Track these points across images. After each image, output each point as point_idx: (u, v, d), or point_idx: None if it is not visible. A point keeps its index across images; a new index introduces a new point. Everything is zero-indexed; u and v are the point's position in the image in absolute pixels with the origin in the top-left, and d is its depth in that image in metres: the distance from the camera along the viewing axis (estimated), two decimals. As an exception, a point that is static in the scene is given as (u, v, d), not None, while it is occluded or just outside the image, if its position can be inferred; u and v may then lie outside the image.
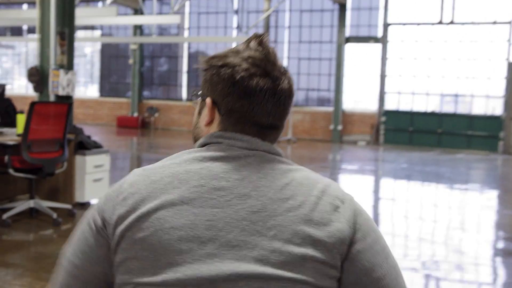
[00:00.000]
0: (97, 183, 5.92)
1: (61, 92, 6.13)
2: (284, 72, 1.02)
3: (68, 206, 5.35)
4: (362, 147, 15.86)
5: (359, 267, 0.94)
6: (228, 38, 17.18)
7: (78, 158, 5.75)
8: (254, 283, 0.87)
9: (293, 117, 17.42)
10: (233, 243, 0.89)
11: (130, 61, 20.28)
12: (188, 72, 20.22)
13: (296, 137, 17.36)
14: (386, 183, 9.83)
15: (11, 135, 5.11)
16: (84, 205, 5.84)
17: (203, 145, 1.02)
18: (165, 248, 0.89)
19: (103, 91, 21.65)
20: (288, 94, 1.02)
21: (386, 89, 16.77)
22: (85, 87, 22.50)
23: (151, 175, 0.96)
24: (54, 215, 4.99)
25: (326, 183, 0.99)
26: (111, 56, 21.49)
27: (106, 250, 0.95)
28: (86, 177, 5.76)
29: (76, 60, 21.69)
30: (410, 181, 9.81)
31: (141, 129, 19.33)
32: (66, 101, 6.31)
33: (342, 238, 0.92)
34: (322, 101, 18.13)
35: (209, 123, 1.04)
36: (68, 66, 6.33)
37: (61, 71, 6.13)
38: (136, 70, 20.29)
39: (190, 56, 20.22)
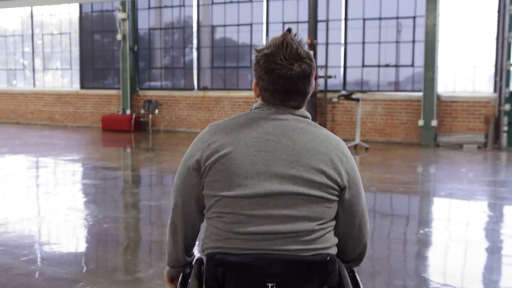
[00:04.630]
0: None
1: None
2: (298, 59, 1.64)
3: None
4: (473, 154, 10.10)
5: (348, 202, 1.71)
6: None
7: None
8: (290, 197, 1.61)
9: (361, 109, 11.27)
10: (278, 173, 1.61)
11: (118, 36, 14.39)
12: (199, 48, 14.16)
13: (366, 139, 11.24)
14: None
15: None
16: None
17: (256, 108, 1.72)
18: (237, 175, 1.61)
19: (86, 81, 15.79)
20: (299, 75, 1.64)
21: (511, 59, 11.21)
22: (62, 76, 16.64)
23: (224, 129, 1.68)
24: None
25: (338, 141, 1.71)
26: (94, 32, 15.57)
27: (198, 179, 1.69)
28: None
29: (48, 39, 15.73)
30: None
31: (135, 133, 13.56)
32: None
33: (341, 178, 1.66)
34: (403, 83, 12.23)
35: (258, 96, 1.75)
36: None
37: None
38: (127, 49, 14.42)
39: (200, 25, 14.14)
